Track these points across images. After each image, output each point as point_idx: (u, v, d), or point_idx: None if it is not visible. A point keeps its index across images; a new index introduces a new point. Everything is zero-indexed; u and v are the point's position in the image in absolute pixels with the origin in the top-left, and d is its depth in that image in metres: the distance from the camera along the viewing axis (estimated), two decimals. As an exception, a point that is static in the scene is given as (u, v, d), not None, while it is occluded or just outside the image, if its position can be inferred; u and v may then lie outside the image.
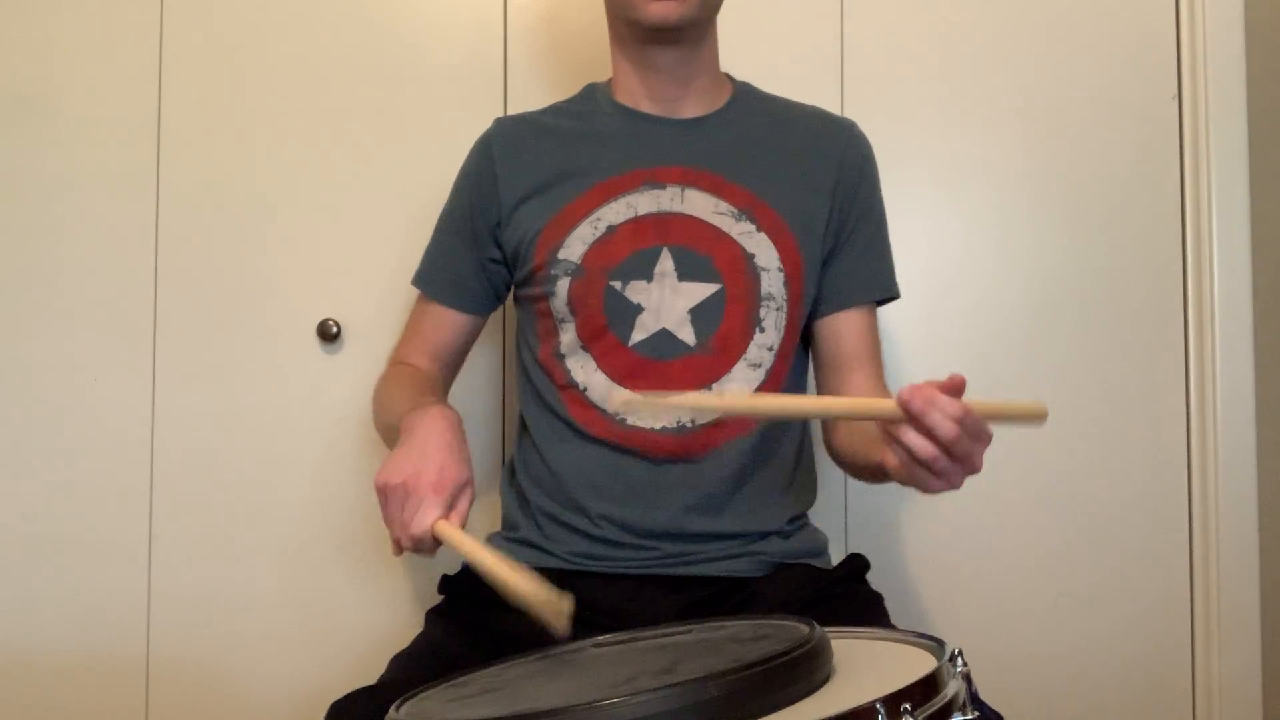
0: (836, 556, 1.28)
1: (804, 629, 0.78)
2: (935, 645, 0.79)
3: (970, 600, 1.54)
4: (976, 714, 0.70)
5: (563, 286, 1.21)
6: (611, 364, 1.20)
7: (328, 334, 1.54)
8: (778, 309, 1.21)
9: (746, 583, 1.18)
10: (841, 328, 1.25)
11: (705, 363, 1.19)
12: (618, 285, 1.20)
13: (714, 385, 1.20)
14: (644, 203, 1.22)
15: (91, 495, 1.55)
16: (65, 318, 1.57)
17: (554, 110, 1.33)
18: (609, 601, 1.16)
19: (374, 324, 1.55)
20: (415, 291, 1.34)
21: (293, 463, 1.56)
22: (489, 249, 1.27)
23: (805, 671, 0.71)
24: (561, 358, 1.23)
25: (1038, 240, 1.57)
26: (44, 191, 1.58)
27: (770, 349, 1.21)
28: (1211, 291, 1.54)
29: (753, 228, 1.22)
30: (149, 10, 1.59)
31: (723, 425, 1.19)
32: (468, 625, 1.17)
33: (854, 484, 1.54)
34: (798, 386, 1.28)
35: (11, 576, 1.55)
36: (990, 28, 1.58)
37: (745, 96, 1.31)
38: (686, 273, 1.20)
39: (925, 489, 0.93)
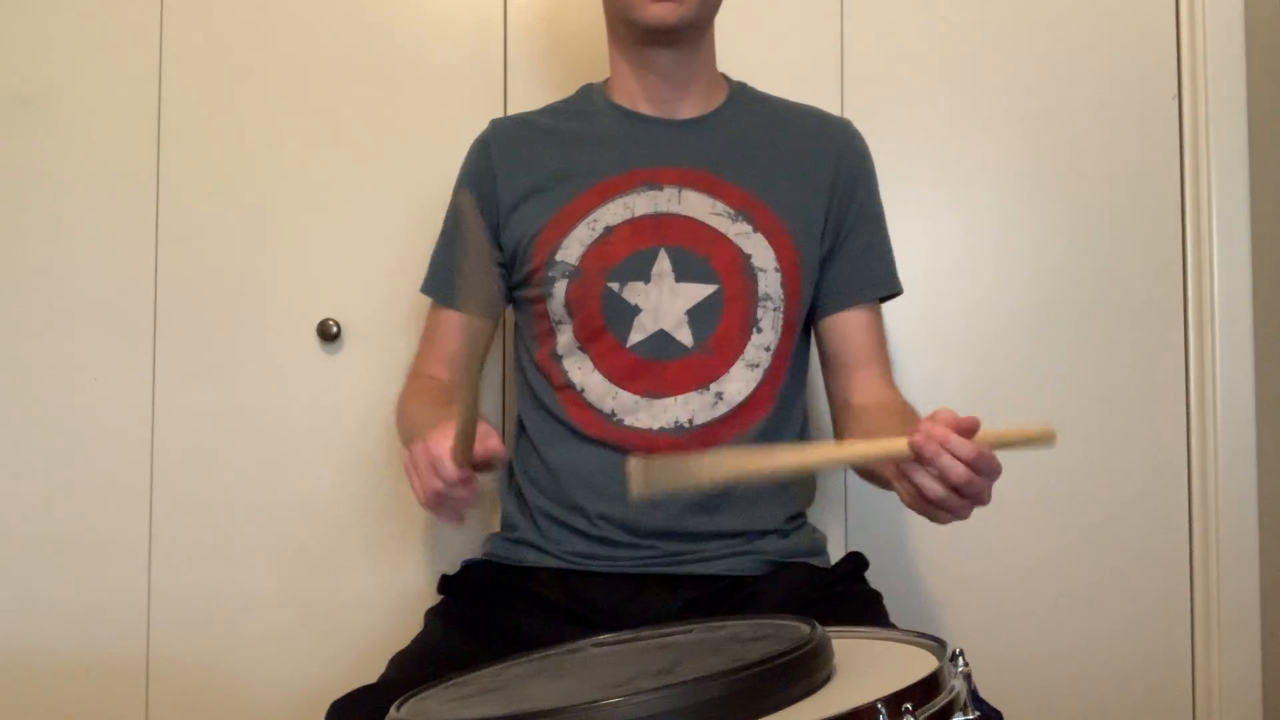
0: (836, 556, 1.28)
1: (805, 629, 0.78)
2: (936, 645, 0.79)
3: (970, 600, 1.54)
4: (977, 714, 0.70)
5: (560, 288, 1.21)
6: (609, 365, 1.20)
7: (328, 334, 1.54)
8: (774, 309, 1.21)
9: (745, 582, 1.18)
10: (845, 327, 1.25)
11: (703, 363, 1.20)
12: (615, 286, 1.20)
13: (712, 385, 1.20)
14: (641, 204, 1.22)
15: (91, 495, 1.55)
16: (65, 318, 1.57)
17: (551, 111, 1.33)
18: (609, 601, 1.16)
19: (374, 324, 1.55)
20: (417, 293, 1.34)
21: (293, 462, 1.55)
22: (493, 250, 1.27)
23: (806, 671, 0.71)
24: (559, 359, 1.23)
25: (1038, 240, 1.57)
26: (44, 191, 1.58)
27: (768, 349, 1.21)
28: (1211, 291, 1.54)
29: (749, 228, 1.22)
30: (149, 10, 1.59)
31: (721, 424, 1.19)
32: (467, 625, 1.17)
33: (854, 484, 1.54)
34: (797, 386, 1.28)
35: (11, 576, 1.55)
36: (990, 28, 1.58)
37: (741, 96, 1.31)
38: (684, 274, 1.20)
39: (934, 520, 0.96)
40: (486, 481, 1.49)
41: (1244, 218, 1.55)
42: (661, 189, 1.23)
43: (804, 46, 1.58)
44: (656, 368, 1.19)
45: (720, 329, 1.20)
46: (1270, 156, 1.62)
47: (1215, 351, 1.54)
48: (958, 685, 0.71)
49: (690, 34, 1.22)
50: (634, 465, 0.93)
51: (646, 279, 1.20)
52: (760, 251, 1.21)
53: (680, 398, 1.19)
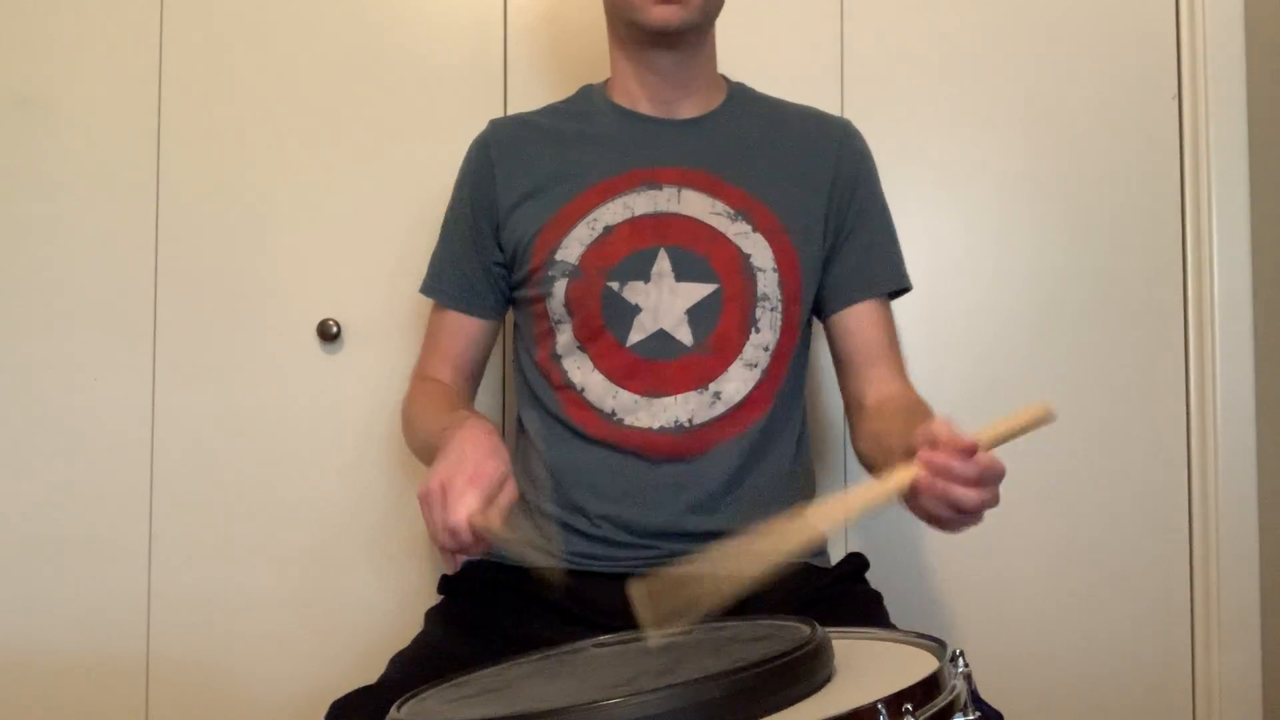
0: (836, 556, 1.28)
1: (805, 629, 0.78)
2: (936, 646, 0.79)
3: (970, 600, 1.54)
4: (977, 714, 0.70)
5: (560, 287, 1.21)
6: (609, 364, 1.20)
7: (328, 334, 1.54)
8: (773, 309, 1.21)
9: (746, 582, 1.18)
10: (853, 323, 1.25)
11: (702, 363, 1.20)
12: (615, 286, 1.20)
13: (710, 385, 1.20)
14: (641, 203, 1.22)
15: (91, 495, 1.55)
16: (65, 318, 1.57)
17: (550, 111, 1.33)
18: (609, 601, 1.16)
19: (374, 324, 1.55)
20: (417, 293, 1.34)
21: (293, 463, 1.55)
22: (492, 252, 1.27)
23: (806, 672, 0.71)
24: (558, 359, 1.23)
25: (1038, 240, 1.57)
26: (44, 191, 1.58)
27: (766, 349, 1.21)
28: (1211, 291, 1.54)
29: (749, 228, 1.22)
30: (149, 10, 1.59)
31: (721, 425, 1.19)
32: (468, 625, 1.17)
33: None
34: (796, 387, 1.27)
35: (11, 576, 1.55)
36: (990, 28, 1.58)
37: (741, 97, 1.31)
38: (684, 273, 1.20)
39: (947, 531, 0.96)
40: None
41: (1244, 218, 1.55)
42: (661, 189, 1.23)
43: (804, 46, 1.58)
44: (656, 367, 1.19)
45: (719, 329, 1.20)
46: (1270, 156, 1.62)
47: (1215, 351, 1.54)
48: (958, 686, 0.71)
49: (693, 36, 1.22)
50: (637, 592, 0.90)
51: (646, 278, 1.20)
52: (759, 251, 1.21)
53: (680, 397, 1.19)
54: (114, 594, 1.54)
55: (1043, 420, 0.92)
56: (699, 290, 1.20)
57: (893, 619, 1.15)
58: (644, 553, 1.17)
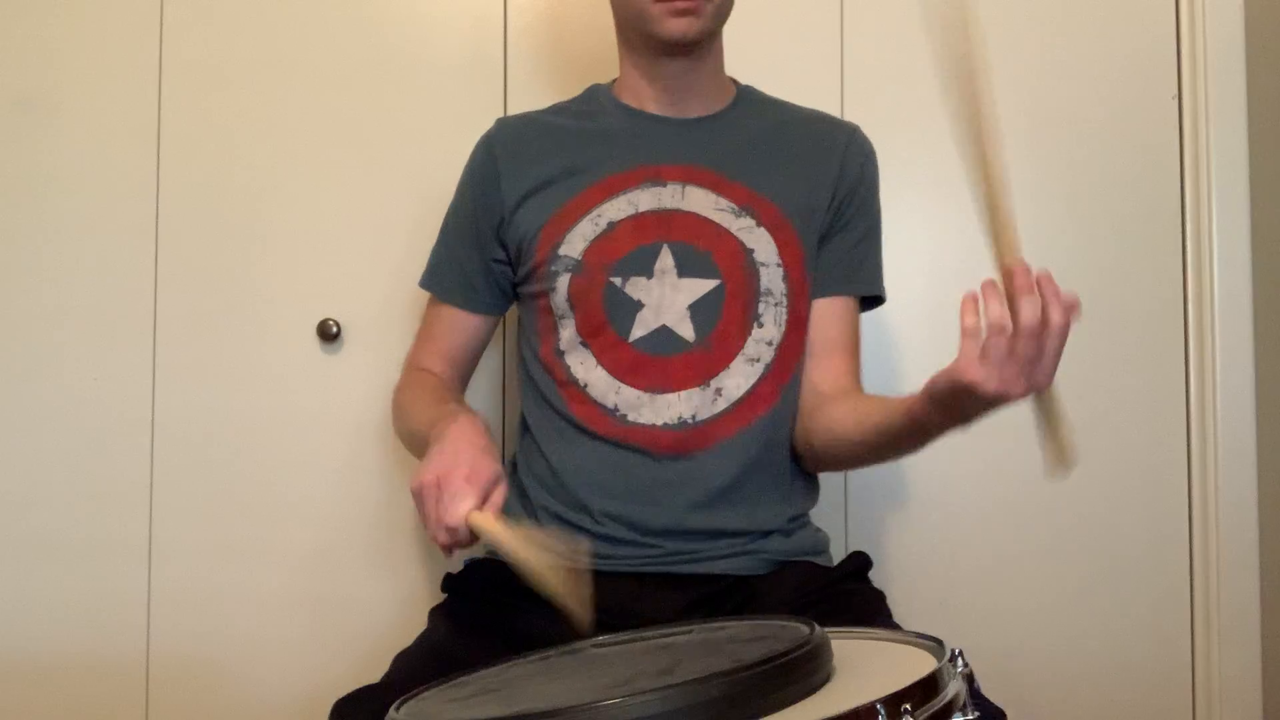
0: (838, 555, 1.28)
1: (804, 629, 0.78)
2: (935, 645, 0.79)
3: (971, 600, 1.54)
4: (977, 714, 0.70)
5: (563, 283, 1.21)
6: (612, 360, 1.20)
7: (328, 334, 1.54)
8: (776, 304, 1.22)
9: (748, 580, 1.18)
10: (821, 315, 1.25)
11: (704, 358, 1.20)
12: (618, 281, 1.20)
13: (712, 381, 1.20)
14: (644, 199, 1.23)
15: (91, 495, 1.55)
16: (65, 318, 1.57)
17: (556, 110, 1.33)
18: (611, 599, 1.16)
19: (374, 324, 1.55)
20: (417, 292, 1.34)
21: (293, 462, 1.55)
22: (494, 249, 1.28)
23: (805, 672, 0.71)
24: (561, 354, 1.23)
25: (1038, 240, 1.56)
26: (44, 191, 1.58)
27: (770, 344, 1.21)
28: (1211, 291, 1.54)
29: (752, 223, 1.22)
30: (149, 10, 1.59)
31: (724, 421, 1.19)
32: (472, 624, 1.17)
33: (854, 484, 1.54)
34: (799, 380, 1.27)
35: (11, 576, 1.55)
36: (990, 28, 1.58)
37: (748, 98, 1.31)
38: (686, 269, 1.20)
39: (1002, 400, 0.92)
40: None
41: (1244, 218, 1.55)
42: (665, 185, 1.23)
43: (804, 46, 1.58)
44: (659, 363, 1.20)
45: (721, 324, 1.20)
46: (1270, 156, 1.62)
47: (1215, 351, 1.54)
48: (957, 686, 0.71)
49: (705, 43, 1.22)
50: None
51: (649, 274, 1.20)
52: (763, 246, 1.21)
53: (683, 393, 1.19)
54: (114, 594, 1.54)
55: (1064, 459, 0.91)
56: (701, 286, 1.20)
57: (896, 618, 1.15)
58: (647, 550, 1.18)
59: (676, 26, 1.17)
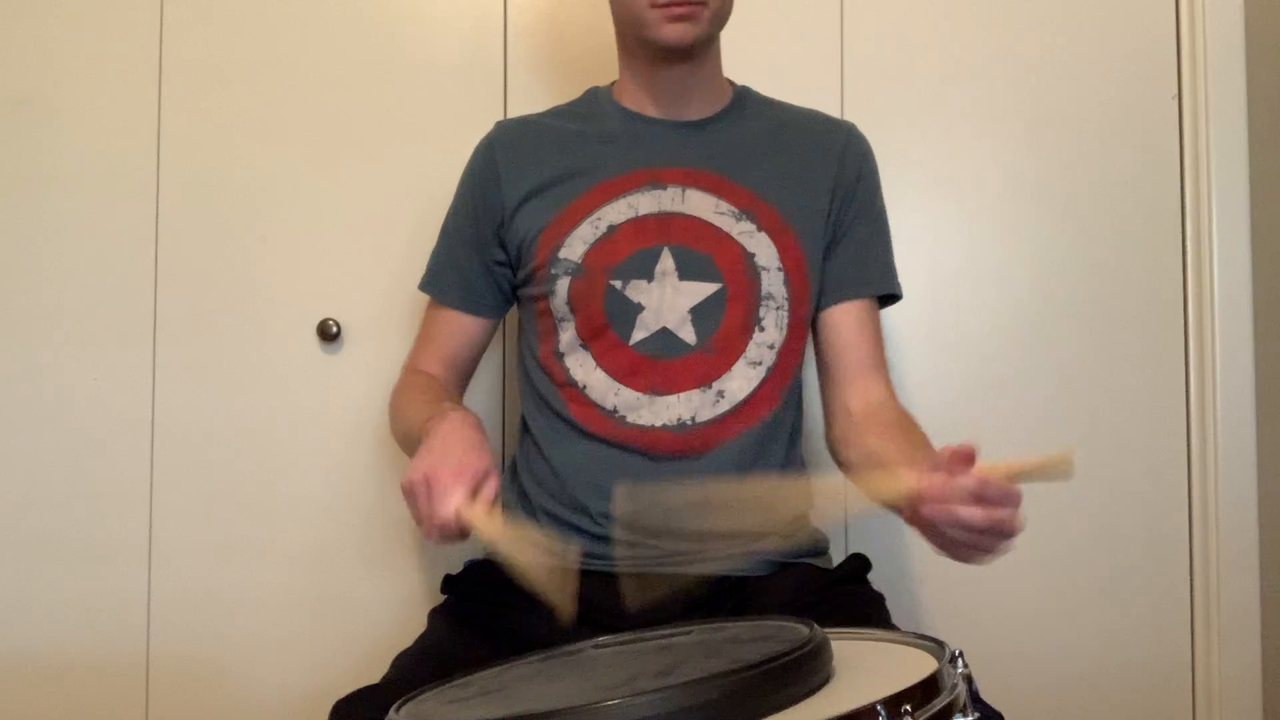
0: (838, 557, 1.28)
1: (804, 630, 0.78)
2: (935, 646, 0.79)
3: (970, 600, 1.54)
4: (977, 715, 0.70)
5: (562, 285, 1.21)
6: (612, 362, 1.20)
7: (328, 334, 1.54)
8: (778, 308, 1.22)
9: (748, 582, 1.18)
10: (841, 322, 1.25)
11: (705, 361, 1.20)
12: (618, 284, 1.20)
13: (714, 384, 1.20)
14: (645, 203, 1.22)
15: (91, 495, 1.55)
16: (65, 318, 1.57)
17: (555, 113, 1.33)
18: (611, 600, 1.16)
19: (374, 324, 1.55)
20: (416, 293, 1.34)
21: (293, 462, 1.56)
22: (494, 251, 1.28)
23: (805, 673, 0.71)
24: (561, 356, 1.23)
25: (1038, 240, 1.57)
26: (44, 191, 1.58)
27: (771, 347, 1.21)
28: (1211, 291, 1.54)
29: (753, 227, 1.22)
30: (149, 10, 1.59)
31: (725, 423, 1.19)
32: (471, 625, 1.17)
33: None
34: (799, 383, 1.28)
35: (11, 576, 1.55)
36: (991, 28, 1.58)
37: (746, 100, 1.31)
38: (687, 272, 1.20)
39: (969, 563, 0.95)
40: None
41: (1244, 218, 1.55)
42: (665, 188, 1.23)
43: (804, 46, 1.57)
44: (659, 365, 1.20)
45: (723, 328, 1.20)
46: (1270, 156, 1.62)
47: (1215, 351, 1.54)
48: (958, 687, 0.71)
49: (703, 47, 1.22)
50: (620, 491, 0.91)
51: (650, 277, 1.20)
52: (764, 250, 1.21)
53: (683, 395, 1.19)
54: (114, 594, 1.54)
55: (1063, 470, 0.90)
56: (702, 289, 1.20)
57: (895, 620, 1.15)
58: (647, 552, 1.17)
59: (674, 32, 1.17)
